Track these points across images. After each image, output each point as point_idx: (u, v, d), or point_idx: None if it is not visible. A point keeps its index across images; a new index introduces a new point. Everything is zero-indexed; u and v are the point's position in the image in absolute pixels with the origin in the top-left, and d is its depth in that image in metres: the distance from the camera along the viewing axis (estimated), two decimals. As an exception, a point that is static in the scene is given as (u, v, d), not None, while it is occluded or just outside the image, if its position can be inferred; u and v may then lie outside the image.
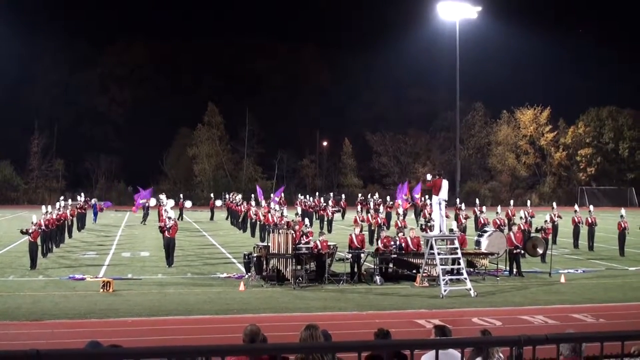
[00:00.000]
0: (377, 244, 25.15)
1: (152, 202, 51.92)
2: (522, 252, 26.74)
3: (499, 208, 38.58)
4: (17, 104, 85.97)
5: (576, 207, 38.77)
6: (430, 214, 33.20)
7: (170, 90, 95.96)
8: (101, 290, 20.91)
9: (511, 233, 26.60)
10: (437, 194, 23.19)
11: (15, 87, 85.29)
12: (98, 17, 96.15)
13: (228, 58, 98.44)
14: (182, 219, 50.46)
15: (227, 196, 57.01)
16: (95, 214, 50.19)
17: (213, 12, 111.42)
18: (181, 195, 57.67)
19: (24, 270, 25.46)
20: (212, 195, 60.32)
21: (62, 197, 39.34)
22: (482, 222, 36.84)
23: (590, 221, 34.64)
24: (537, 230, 29.17)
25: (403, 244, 24.87)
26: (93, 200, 52.41)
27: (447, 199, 24.11)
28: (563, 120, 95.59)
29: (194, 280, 23.94)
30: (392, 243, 24.81)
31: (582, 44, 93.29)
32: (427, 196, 42.71)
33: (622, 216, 33.46)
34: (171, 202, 50.02)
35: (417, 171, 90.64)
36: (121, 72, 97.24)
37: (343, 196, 57.95)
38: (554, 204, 42.91)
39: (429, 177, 25.26)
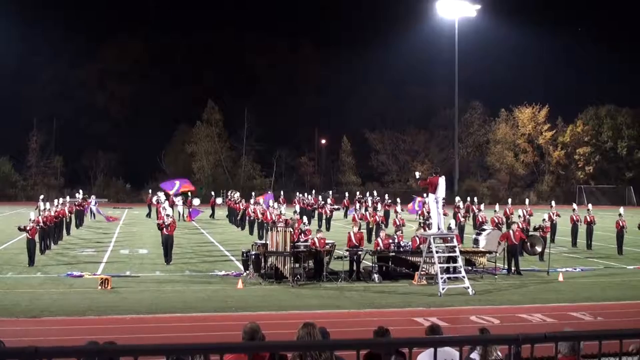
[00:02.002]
0: (380, 241, 25.08)
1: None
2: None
3: (497, 206, 38.57)
4: (16, 100, 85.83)
5: (574, 205, 38.75)
6: (428, 212, 33.22)
7: (169, 86, 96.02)
8: (99, 287, 20.90)
9: (510, 231, 26.53)
10: (433, 192, 23.11)
11: (13, 82, 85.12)
12: (97, 13, 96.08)
13: (226, 55, 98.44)
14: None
15: (228, 194, 56.85)
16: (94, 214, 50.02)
17: (212, 9, 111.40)
18: (189, 193, 57.34)
19: (22, 267, 25.46)
20: (212, 193, 60.19)
21: (42, 197, 39.20)
22: (480, 220, 36.84)
23: (588, 220, 34.64)
24: (535, 229, 29.15)
25: (402, 242, 24.90)
26: (92, 198, 52.31)
27: (445, 197, 24.08)
28: (561, 118, 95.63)
29: (192, 277, 23.94)
30: (391, 241, 24.80)
31: (580, 42, 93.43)
32: (424, 194, 42.68)
33: (620, 215, 33.47)
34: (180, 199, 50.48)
35: (416, 169, 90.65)
36: (120, 68, 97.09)
37: (347, 194, 57.90)
38: (553, 202, 42.86)
39: (417, 174, 25.26)
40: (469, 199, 42.37)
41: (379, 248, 24.61)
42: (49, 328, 16.03)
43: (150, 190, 58.78)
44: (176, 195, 50.12)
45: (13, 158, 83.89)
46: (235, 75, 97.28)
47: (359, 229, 26.43)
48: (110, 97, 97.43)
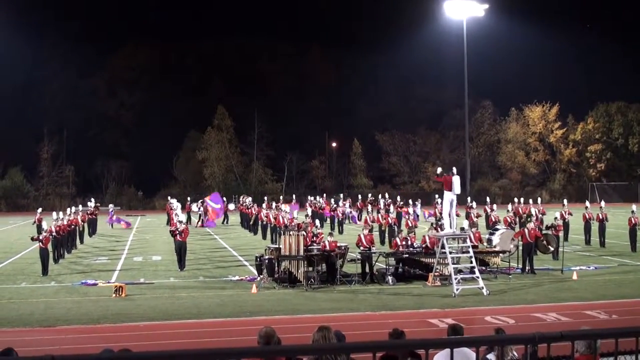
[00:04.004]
0: (398, 241, 25.01)
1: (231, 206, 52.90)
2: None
3: (509, 206, 38.38)
4: (26, 110, 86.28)
5: (587, 203, 38.59)
6: (440, 213, 33.19)
7: (178, 93, 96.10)
8: (113, 295, 20.96)
9: (525, 229, 26.46)
10: (449, 190, 23.00)
11: (24, 92, 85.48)
12: (105, 21, 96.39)
13: (235, 60, 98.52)
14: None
15: (240, 199, 56.77)
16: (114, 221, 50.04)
17: (219, 14, 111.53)
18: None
19: (36, 276, 25.54)
20: (224, 199, 60.12)
21: (40, 209, 39.22)
22: (493, 220, 36.73)
23: (601, 217, 34.48)
24: (548, 228, 29.05)
25: (415, 244, 24.86)
26: (110, 207, 52.57)
27: (459, 193, 23.89)
28: (572, 116, 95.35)
29: (206, 283, 23.95)
30: (403, 243, 24.77)
31: (589, 39, 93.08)
32: (436, 195, 42.62)
33: (633, 212, 33.27)
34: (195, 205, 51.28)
35: (427, 170, 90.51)
36: (129, 76, 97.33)
37: (360, 197, 57.75)
38: (565, 200, 42.65)
39: (439, 170, 25.13)
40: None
41: (398, 249, 24.62)
42: (64, 337, 16.07)
43: (169, 197, 58.87)
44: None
45: (25, 169, 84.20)
46: (245, 80, 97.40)
47: (370, 231, 26.35)
48: (120, 106, 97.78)
